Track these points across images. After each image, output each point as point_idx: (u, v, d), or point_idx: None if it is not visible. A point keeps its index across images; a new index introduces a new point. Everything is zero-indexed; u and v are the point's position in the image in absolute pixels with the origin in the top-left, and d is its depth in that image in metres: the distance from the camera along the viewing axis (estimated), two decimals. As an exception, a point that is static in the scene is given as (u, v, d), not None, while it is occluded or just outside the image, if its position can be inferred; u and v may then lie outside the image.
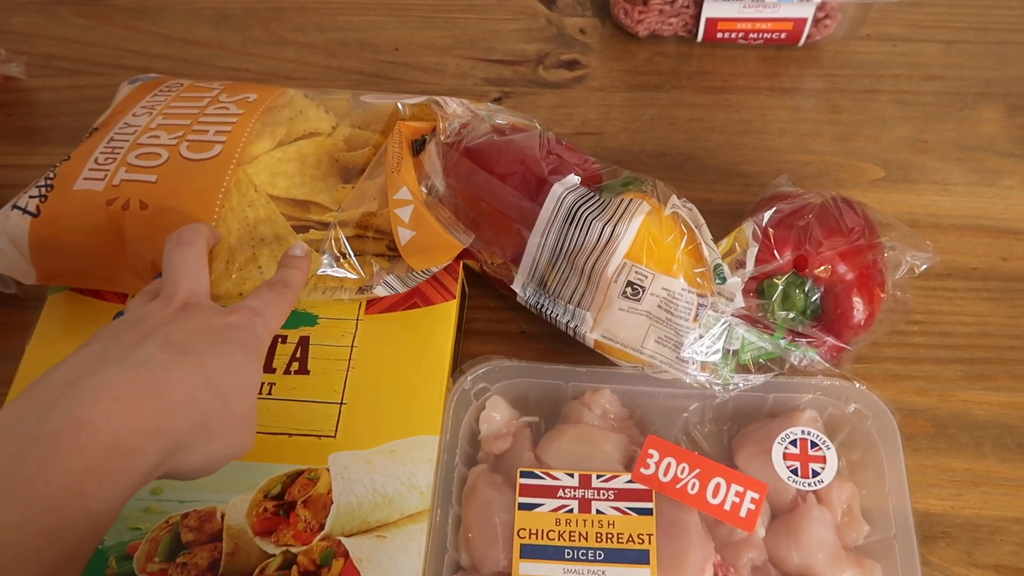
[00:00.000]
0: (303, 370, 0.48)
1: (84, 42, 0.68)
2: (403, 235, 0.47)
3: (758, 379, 0.45)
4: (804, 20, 0.63)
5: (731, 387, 0.45)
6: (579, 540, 0.42)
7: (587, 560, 0.41)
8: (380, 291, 0.48)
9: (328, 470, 0.44)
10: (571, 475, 0.44)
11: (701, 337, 0.44)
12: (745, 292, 0.45)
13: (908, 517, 0.42)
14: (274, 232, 0.47)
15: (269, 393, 0.47)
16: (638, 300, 0.44)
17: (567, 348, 0.49)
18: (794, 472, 0.44)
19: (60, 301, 0.50)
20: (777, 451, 0.44)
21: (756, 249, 0.45)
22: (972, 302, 0.53)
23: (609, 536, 0.42)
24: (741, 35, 0.65)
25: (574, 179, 0.46)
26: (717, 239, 0.46)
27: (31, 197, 0.47)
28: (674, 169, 0.60)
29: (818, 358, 0.45)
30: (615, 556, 0.41)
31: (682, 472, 0.43)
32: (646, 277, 0.43)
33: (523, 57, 0.67)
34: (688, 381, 0.45)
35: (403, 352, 0.48)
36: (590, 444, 0.45)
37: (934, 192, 0.58)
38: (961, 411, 0.49)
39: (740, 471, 0.44)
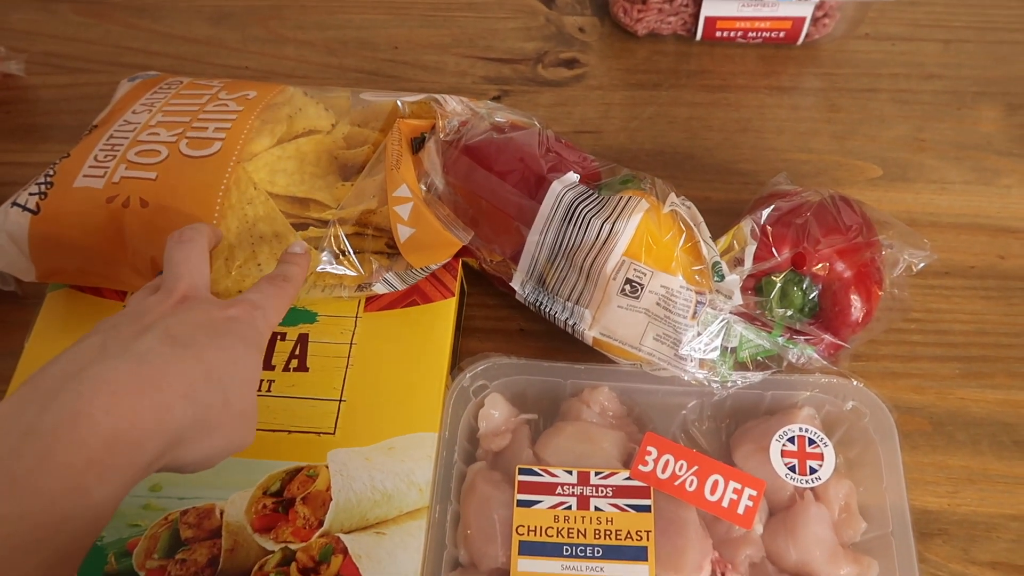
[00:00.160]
0: (302, 367, 0.48)
1: (83, 40, 0.68)
2: (402, 232, 0.48)
3: (756, 376, 0.45)
4: (803, 19, 0.63)
5: (729, 384, 0.45)
6: (578, 537, 0.42)
7: (586, 557, 0.42)
8: (379, 288, 0.48)
9: (327, 467, 0.44)
10: (570, 472, 0.44)
11: (699, 334, 0.44)
12: (743, 290, 0.45)
13: (905, 514, 0.42)
14: (273, 230, 0.47)
15: (268, 390, 0.47)
16: (637, 297, 0.44)
17: (566, 346, 0.49)
18: (792, 469, 0.44)
19: (59, 298, 0.50)
20: (775, 448, 0.44)
21: (754, 247, 0.45)
22: (969, 300, 0.53)
23: (607, 533, 0.42)
24: (740, 34, 0.65)
25: (573, 177, 0.46)
26: (715, 237, 0.46)
27: (31, 194, 0.47)
28: (673, 167, 0.60)
29: (816, 356, 0.45)
30: (613, 553, 0.42)
31: (680, 469, 0.43)
32: (645, 275, 0.44)
33: (522, 55, 0.67)
34: (686, 378, 0.45)
35: (402, 349, 0.48)
36: (589, 441, 0.45)
37: (932, 191, 0.58)
38: (958, 409, 0.49)
39: (738, 468, 0.44)
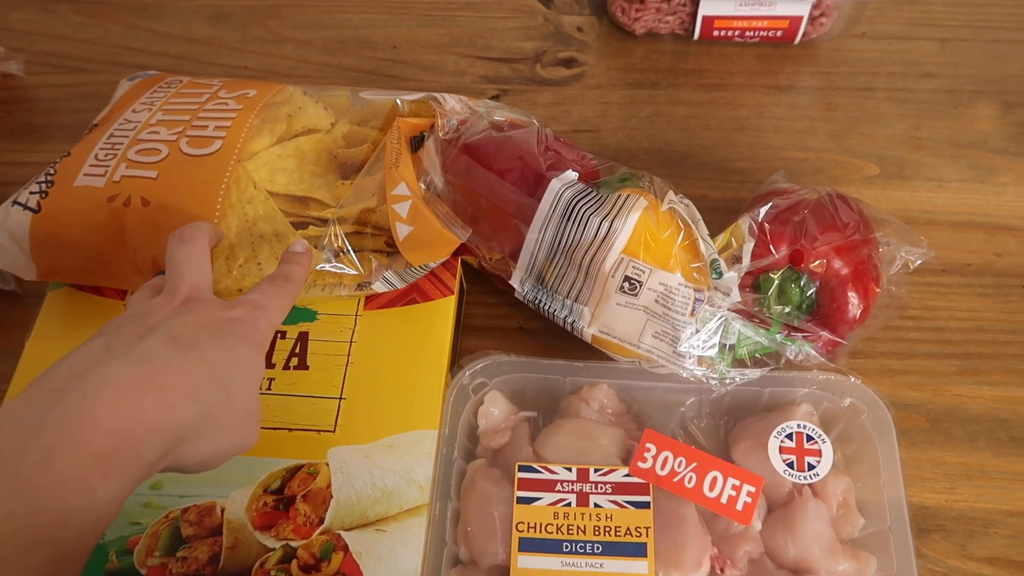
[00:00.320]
0: (302, 365, 0.48)
1: (83, 39, 0.68)
2: (401, 230, 0.48)
3: (754, 373, 0.46)
4: (800, 18, 0.63)
5: (728, 381, 0.45)
6: (577, 533, 0.42)
7: (585, 553, 0.42)
8: (379, 287, 0.48)
9: (327, 465, 0.44)
10: (569, 469, 0.44)
11: (698, 332, 0.44)
12: (741, 287, 0.45)
13: (903, 510, 0.43)
14: (273, 229, 0.47)
15: (269, 388, 0.47)
16: (635, 295, 0.44)
17: (564, 344, 0.49)
18: (790, 466, 0.44)
19: (59, 298, 0.50)
20: (773, 445, 0.44)
21: (752, 244, 0.45)
22: (966, 298, 0.54)
23: (607, 529, 0.42)
24: (737, 33, 0.65)
25: (572, 175, 0.47)
26: (714, 235, 0.46)
27: (32, 193, 0.47)
28: (671, 166, 0.60)
29: (814, 353, 0.46)
30: (613, 549, 0.42)
31: (679, 466, 0.44)
32: (643, 272, 0.44)
33: (520, 55, 0.67)
34: (685, 376, 0.45)
35: (402, 347, 0.48)
36: (588, 438, 0.45)
37: (929, 189, 0.58)
38: (955, 405, 0.50)
39: (737, 465, 0.44)
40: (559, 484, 0.44)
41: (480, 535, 0.43)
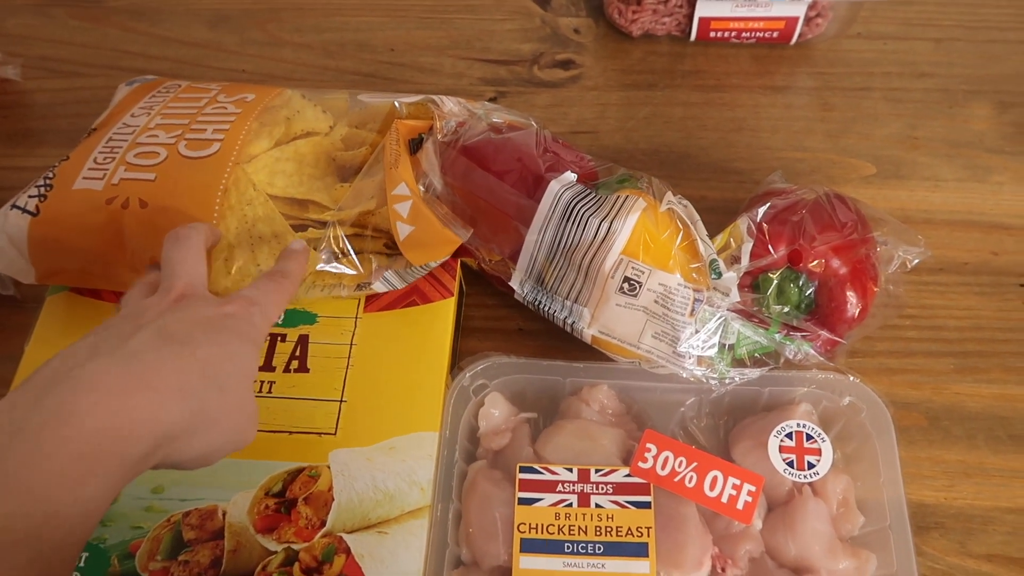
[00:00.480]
0: (303, 368, 0.48)
1: (80, 44, 0.68)
2: (402, 230, 0.48)
3: (754, 373, 0.46)
4: (796, 19, 0.63)
5: (727, 381, 0.46)
6: (579, 534, 0.42)
7: (587, 554, 0.42)
8: (379, 287, 0.48)
9: (329, 467, 0.44)
10: (570, 470, 0.44)
11: (697, 332, 0.44)
12: (740, 287, 0.45)
13: (903, 508, 0.43)
14: (272, 230, 0.48)
15: (269, 391, 0.47)
16: (635, 295, 0.44)
17: (564, 345, 0.49)
18: (790, 465, 0.44)
19: (59, 302, 0.50)
20: (773, 444, 0.44)
21: (751, 244, 0.45)
22: (964, 296, 0.54)
23: (608, 529, 0.42)
24: (734, 34, 0.65)
25: (571, 176, 0.47)
26: (712, 235, 0.46)
27: (30, 196, 0.47)
28: (669, 167, 0.60)
29: (813, 352, 0.46)
30: (614, 549, 0.42)
31: (680, 466, 0.44)
32: (643, 273, 0.44)
33: (518, 57, 0.67)
34: (685, 376, 0.45)
35: (402, 349, 0.48)
36: (588, 439, 0.45)
37: (925, 188, 0.59)
38: (954, 403, 0.50)
39: (737, 464, 0.44)
40: (560, 485, 0.44)
41: (481, 536, 0.43)
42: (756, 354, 0.46)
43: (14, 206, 0.47)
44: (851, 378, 0.46)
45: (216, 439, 0.35)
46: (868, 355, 0.51)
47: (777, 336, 0.46)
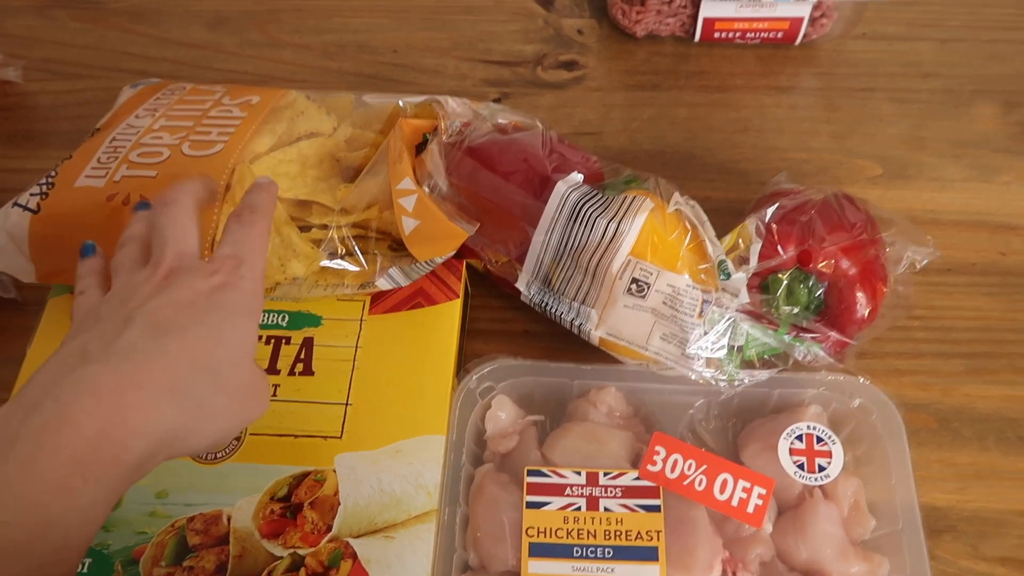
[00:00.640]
0: (307, 371, 0.47)
1: (81, 46, 0.68)
2: (407, 225, 0.47)
3: (763, 375, 0.45)
4: (800, 19, 0.63)
5: (736, 383, 0.45)
6: (587, 538, 0.42)
7: (596, 558, 0.41)
8: (383, 284, 0.48)
9: (334, 471, 0.44)
10: (578, 473, 0.44)
11: (706, 333, 0.44)
12: (749, 288, 0.45)
13: (915, 511, 0.42)
14: (275, 227, 0.47)
15: (274, 395, 0.46)
16: (643, 297, 0.44)
17: (570, 347, 0.49)
18: (800, 467, 0.44)
19: (60, 304, 0.50)
20: (783, 446, 0.44)
21: (760, 245, 0.45)
22: (972, 297, 0.54)
23: (617, 533, 0.42)
24: (738, 35, 0.65)
25: (577, 177, 0.46)
26: (718, 236, 0.46)
27: (32, 195, 0.47)
28: (673, 168, 0.60)
29: (822, 353, 0.45)
30: (624, 553, 0.41)
31: (689, 468, 0.43)
32: (651, 274, 0.44)
33: (521, 58, 0.67)
34: (693, 378, 0.45)
35: (407, 352, 0.48)
36: (596, 442, 0.45)
37: (932, 188, 0.58)
38: (963, 405, 0.49)
39: (746, 467, 0.44)
40: (568, 488, 0.43)
41: (489, 540, 0.42)
42: (765, 356, 0.46)
43: (15, 204, 0.47)
44: (861, 380, 0.46)
45: (221, 425, 0.35)
46: (876, 356, 0.51)
47: (786, 337, 0.45)
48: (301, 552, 0.42)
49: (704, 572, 0.41)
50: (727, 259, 0.44)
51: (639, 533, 0.42)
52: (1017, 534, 0.45)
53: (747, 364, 0.46)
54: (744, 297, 0.44)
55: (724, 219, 0.48)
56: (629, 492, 0.43)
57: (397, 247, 0.50)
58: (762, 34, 0.65)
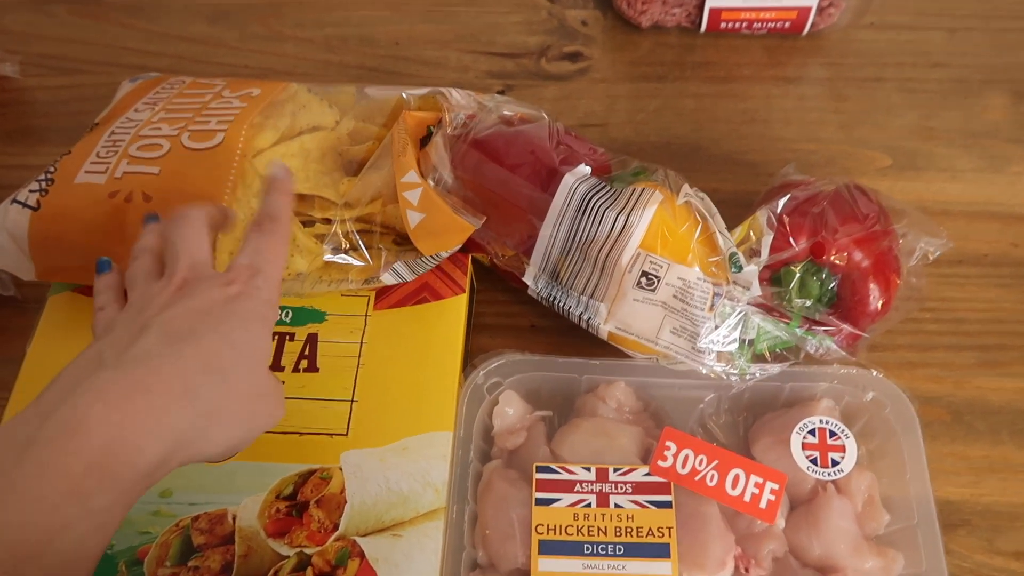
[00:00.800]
0: (312, 368, 0.47)
1: (79, 41, 0.67)
2: (412, 218, 0.46)
3: (774, 368, 0.45)
4: (808, 9, 0.62)
5: (747, 377, 0.45)
6: (598, 535, 0.41)
7: (607, 555, 0.41)
8: (388, 279, 0.47)
9: (341, 469, 0.43)
10: (588, 469, 0.43)
11: (717, 327, 0.43)
12: (760, 280, 0.44)
13: (930, 505, 0.42)
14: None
15: (278, 392, 0.46)
16: (653, 290, 0.43)
17: (577, 341, 0.48)
18: (813, 462, 0.43)
19: (60, 302, 0.49)
20: (795, 441, 0.43)
21: (771, 237, 0.44)
22: (984, 288, 0.53)
23: (628, 530, 0.41)
24: (745, 25, 0.64)
25: (585, 169, 0.46)
26: (728, 228, 0.45)
27: (31, 191, 0.46)
28: (680, 159, 0.59)
29: (834, 346, 0.45)
30: (635, 550, 0.41)
31: (700, 464, 0.43)
32: (661, 267, 0.43)
33: (525, 50, 0.66)
34: (704, 372, 0.44)
35: (413, 347, 0.47)
36: (606, 437, 0.44)
37: (943, 179, 0.58)
38: (976, 398, 0.49)
39: (757, 462, 0.43)
40: (578, 484, 0.43)
41: (498, 538, 0.42)
42: (777, 349, 0.46)
43: (14, 201, 0.46)
44: (874, 373, 0.45)
45: (236, 430, 0.35)
46: (888, 349, 0.50)
47: (798, 331, 0.45)
48: (307, 551, 0.41)
49: (716, 568, 0.41)
50: (738, 251, 0.44)
51: (650, 530, 0.41)
52: (1032, 528, 0.44)
53: (758, 358, 0.45)
54: (756, 290, 0.43)
55: (732, 211, 0.47)
56: (639, 488, 0.43)
57: (402, 241, 0.49)
58: (769, 24, 0.64)
